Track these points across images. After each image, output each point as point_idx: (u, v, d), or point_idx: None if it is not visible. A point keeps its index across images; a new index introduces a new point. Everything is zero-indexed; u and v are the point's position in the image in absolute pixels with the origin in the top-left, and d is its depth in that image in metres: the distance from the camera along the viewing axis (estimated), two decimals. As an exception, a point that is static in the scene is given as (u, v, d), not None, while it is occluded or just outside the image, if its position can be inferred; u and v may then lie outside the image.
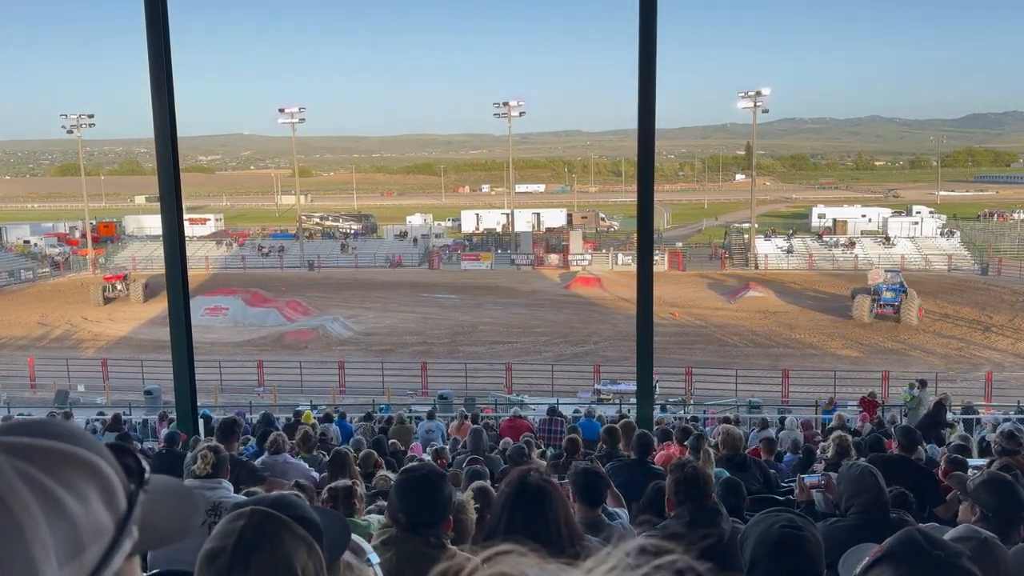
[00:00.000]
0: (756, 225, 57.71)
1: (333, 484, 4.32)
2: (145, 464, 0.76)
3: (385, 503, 4.06)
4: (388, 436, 11.30)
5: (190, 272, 9.10)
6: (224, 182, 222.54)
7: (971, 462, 6.64)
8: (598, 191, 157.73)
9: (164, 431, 10.86)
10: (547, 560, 0.64)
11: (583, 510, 3.45)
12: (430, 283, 49.42)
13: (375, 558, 2.17)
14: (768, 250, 54.87)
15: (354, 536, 1.77)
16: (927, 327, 35.28)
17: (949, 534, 2.13)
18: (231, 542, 1.25)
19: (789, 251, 54.96)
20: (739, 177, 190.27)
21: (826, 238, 58.16)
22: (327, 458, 7.61)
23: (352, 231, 67.18)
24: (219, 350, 30.99)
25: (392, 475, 5.74)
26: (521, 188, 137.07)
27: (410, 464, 3.90)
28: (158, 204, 8.14)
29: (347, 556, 1.65)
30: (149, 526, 0.72)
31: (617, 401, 21.20)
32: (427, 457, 8.78)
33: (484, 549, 0.67)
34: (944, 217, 63.71)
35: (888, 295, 35.37)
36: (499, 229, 65.54)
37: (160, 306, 34.64)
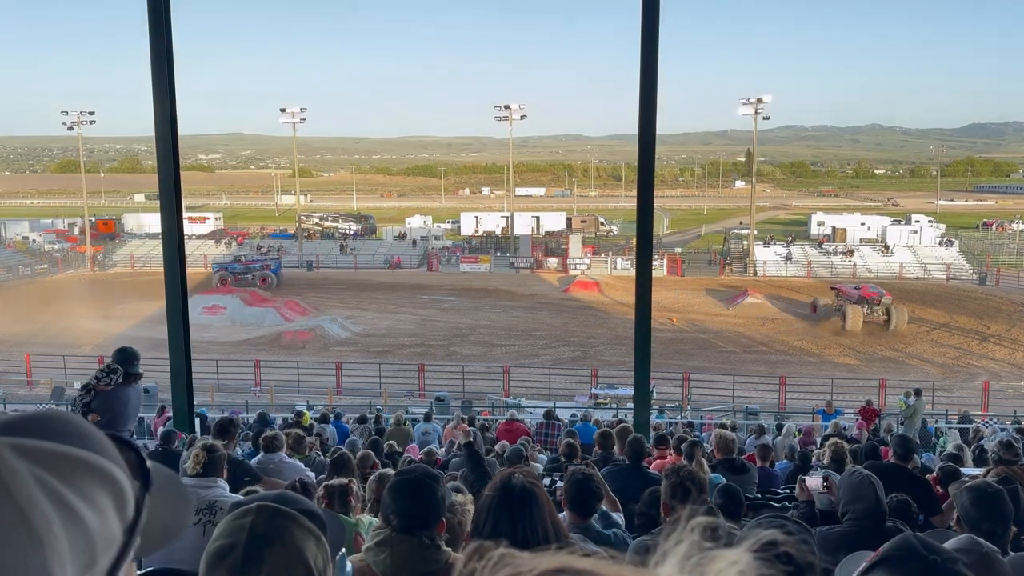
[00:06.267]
0: (755, 232, 57.77)
1: (329, 482, 4.32)
2: (148, 462, 0.74)
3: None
4: (384, 438, 11.30)
5: (188, 270, 9.08)
6: (224, 181, 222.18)
7: (965, 471, 6.64)
8: (598, 195, 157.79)
9: (160, 429, 10.83)
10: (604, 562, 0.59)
11: (572, 517, 3.46)
12: (428, 285, 49.40)
13: (348, 566, 2.19)
14: (767, 257, 54.98)
15: None
16: (924, 336, 35.33)
17: (949, 544, 2.12)
18: (242, 538, 1.24)
19: (788, 258, 55.03)
20: (739, 183, 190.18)
21: (825, 246, 58.26)
22: (322, 458, 7.61)
23: (351, 232, 67.15)
24: (216, 349, 30.98)
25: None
26: (521, 191, 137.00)
27: (405, 466, 3.91)
28: (157, 202, 8.12)
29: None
30: (147, 530, 0.70)
31: (614, 406, 21.18)
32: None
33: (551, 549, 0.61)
34: (943, 226, 63.74)
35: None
36: (498, 232, 65.54)
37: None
